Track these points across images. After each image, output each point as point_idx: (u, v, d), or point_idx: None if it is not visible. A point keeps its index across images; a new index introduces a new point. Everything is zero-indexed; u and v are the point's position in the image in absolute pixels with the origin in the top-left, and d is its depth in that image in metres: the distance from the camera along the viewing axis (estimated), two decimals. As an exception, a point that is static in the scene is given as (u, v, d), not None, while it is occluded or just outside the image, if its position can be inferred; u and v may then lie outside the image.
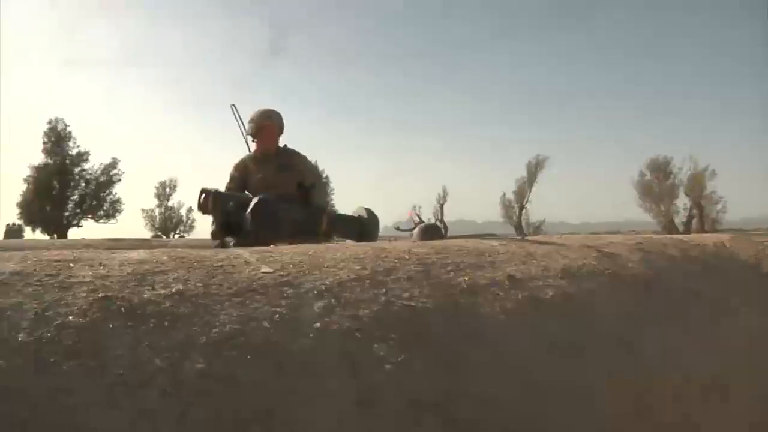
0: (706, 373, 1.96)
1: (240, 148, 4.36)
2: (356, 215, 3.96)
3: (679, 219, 32.62)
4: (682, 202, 32.87)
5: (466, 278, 1.75)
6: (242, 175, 4.21)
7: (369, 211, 3.96)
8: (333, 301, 1.43)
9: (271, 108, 4.31)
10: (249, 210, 3.42)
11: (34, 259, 1.41)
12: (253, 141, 4.24)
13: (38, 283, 1.24)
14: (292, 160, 4.08)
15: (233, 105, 4.35)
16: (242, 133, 4.28)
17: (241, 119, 4.30)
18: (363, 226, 3.82)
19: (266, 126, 4.13)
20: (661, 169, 33.57)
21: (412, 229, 3.92)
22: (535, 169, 36.73)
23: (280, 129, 4.19)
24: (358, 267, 1.66)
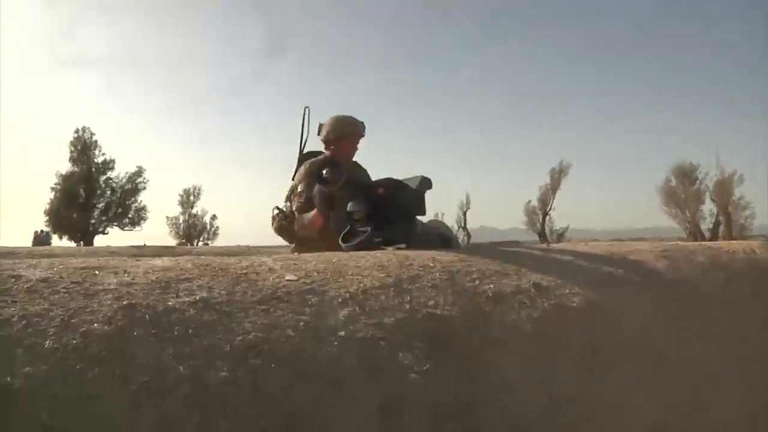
0: (735, 384, 1.91)
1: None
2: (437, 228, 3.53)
3: (706, 225, 32.15)
4: (708, 208, 32.40)
5: (491, 286, 1.73)
6: (311, 187, 3.67)
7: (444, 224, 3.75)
8: (357, 309, 1.42)
9: (351, 115, 4.02)
10: (418, 190, 2.65)
11: (61, 266, 1.42)
12: (327, 149, 3.92)
13: (64, 291, 1.25)
14: (360, 174, 3.79)
15: (307, 107, 4.03)
16: (302, 138, 4.00)
17: (308, 124, 4.00)
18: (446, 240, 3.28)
19: (351, 134, 3.85)
20: (686, 174, 33.14)
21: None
22: (558, 175, 36.48)
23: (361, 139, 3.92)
24: (383, 275, 1.65)
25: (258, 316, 1.30)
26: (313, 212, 3.49)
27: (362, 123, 3.94)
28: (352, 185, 2.68)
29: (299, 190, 3.87)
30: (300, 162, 4.08)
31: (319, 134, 3.97)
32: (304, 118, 4.04)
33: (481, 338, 1.51)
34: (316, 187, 3.23)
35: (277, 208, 4.09)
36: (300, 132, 4.04)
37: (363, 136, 3.92)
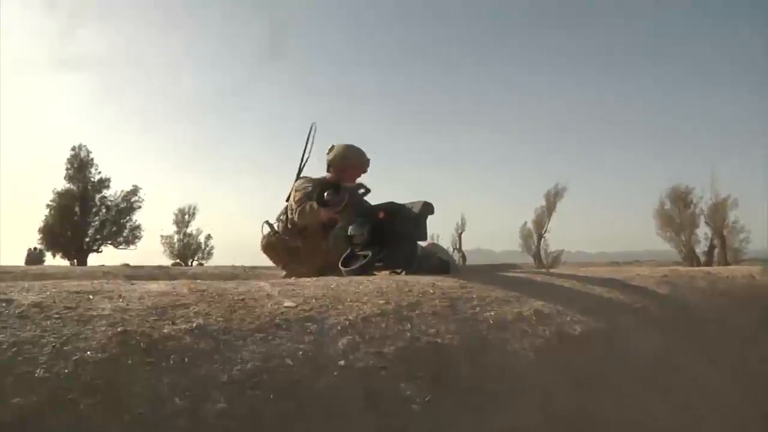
0: (739, 411, 1.88)
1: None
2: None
3: (701, 249, 32.18)
4: (703, 231, 32.44)
5: (492, 313, 1.70)
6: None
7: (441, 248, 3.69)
8: (357, 337, 1.39)
9: (362, 150, 4.05)
10: (419, 214, 2.57)
11: (54, 290, 1.39)
12: (328, 171, 3.99)
13: (57, 316, 1.22)
14: (360, 198, 3.76)
15: (314, 123, 4.13)
16: (305, 154, 4.05)
17: (313, 141, 4.07)
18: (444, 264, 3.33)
19: (356, 168, 3.91)
20: (681, 197, 33.23)
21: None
22: (554, 198, 36.55)
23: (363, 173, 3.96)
24: (382, 301, 1.62)
25: (256, 344, 1.27)
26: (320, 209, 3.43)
27: (368, 160, 3.99)
28: (354, 208, 2.66)
29: (302, 187, 3.85)
30: (298, 177, 4.06)
31: (327, 154, 3.99)
32: (309, 134, 4.09)
33: (483, 367, 1.47)
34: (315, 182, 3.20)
35: (267, 223, 4.06)
36: (303, 148, 4.07)
37: (365, 172, 3.96)
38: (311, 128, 4.12)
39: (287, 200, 3.93)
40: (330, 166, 3.98)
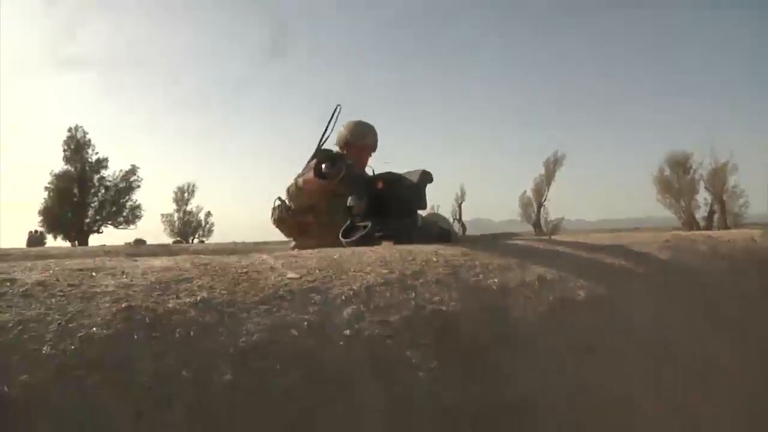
0: (745, 375, 1.89)
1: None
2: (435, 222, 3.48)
3: (700, 214, 32.26)
4: (703, 197, 32.51)
5: (495, 280, 1.70)
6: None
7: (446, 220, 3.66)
8: (362, 306, 1.39)
9: (371, 124, 3.94)
10: (417, 183, 2.51)
11: (57, 268, 1.39)
12: (340, 149, 3.90)
13: (61, 294, 1.22)
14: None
15: (339, 105, 3.84)
16: (324, 134, 3.84)
17: (335, 123, 3.85)
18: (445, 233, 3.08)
19: (366, 147, 3.84)
20: (680, 164, 33.23)
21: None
22: (553, 166, 36.57)
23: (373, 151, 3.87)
24: (386, 271, 1.62)
25: (261, 316, 1.27)
26: (309, 174, 3.28)
27: (376, 134, 3.89)
28: (352, 179, 2.65)
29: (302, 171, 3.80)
30: (314, 156, 4.02)
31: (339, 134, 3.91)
32: (333, 115, 3.97)
33: (488, 334, 1.48)
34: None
35: (279, 198, 4.05)
36: (325, 127, 3.98)
37: (375, 149, 3.88)
38: (336, 109, 3.90)
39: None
40: (339, 145, 3.93)
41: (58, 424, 0.96)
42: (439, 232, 2.85)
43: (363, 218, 2.52)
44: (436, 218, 3.55)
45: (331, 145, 4.00)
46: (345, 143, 3.85)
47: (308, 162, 3.88)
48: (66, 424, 0.96)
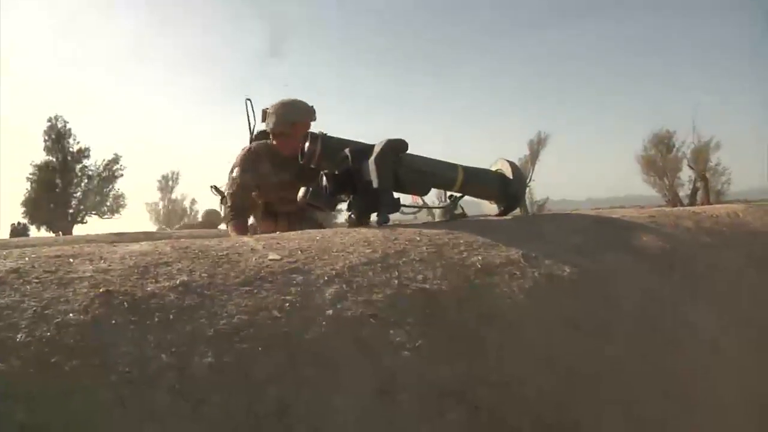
0: (733, 349, 1.90)
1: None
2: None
3: (684, 192, 32.57)
4: (686, 174, 32.80)
5: (479, 257, 1.69)
6: (254, 173, 3.61)
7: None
8: (344, 286, 1.38)
9: (300, 99, 3.65)
10: (374, 157, 2.09)
11: (33, 255, 1.36)
12: (275, 139, 3.67)
13: (36, 281, 1.19)
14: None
15: (248, 99, 3.75)
16: (250, 129, 3.76)
17: (254, 114, 3.73)
18: None
19: (301, 125, 3.45)
20: (663, 142, 33.46)
21: (416, 212, 3.64)
22: (537, 146, 36.66)
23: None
24: (369, 250, 1.60)
25: (242, 298, 1.25)
26: (233, 228, 3.50)
27: (312, 108, 3.62)
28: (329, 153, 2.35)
29: (234, 174, 3.64)
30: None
31: (263, 121, 3.68)
32: (247, 111, 3.80)
33: (473, 312, 1.47)
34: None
35: (215, 187, 3.82)
36: (248, 123, 3.81)
37: (314, 120, 3.60)
38: (246, 104, 3.79)
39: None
40: (272, 135, 3.68)
41: (37, 411, 0.93)
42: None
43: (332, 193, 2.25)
44: None
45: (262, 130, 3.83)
46: (282, 130, 3.58)
47: (242, 156, 3.74)
48: (44, 411, 0.94)
